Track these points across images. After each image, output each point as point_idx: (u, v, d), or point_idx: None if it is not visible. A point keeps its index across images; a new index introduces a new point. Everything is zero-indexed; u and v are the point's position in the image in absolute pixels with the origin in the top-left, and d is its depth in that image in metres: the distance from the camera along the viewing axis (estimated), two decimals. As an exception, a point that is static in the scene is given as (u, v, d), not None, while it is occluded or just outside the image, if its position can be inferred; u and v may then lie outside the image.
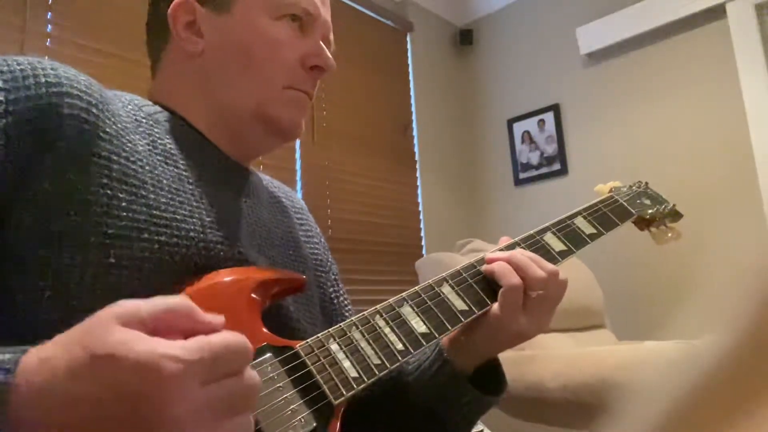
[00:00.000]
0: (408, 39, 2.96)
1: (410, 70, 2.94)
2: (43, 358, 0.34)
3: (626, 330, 2.29)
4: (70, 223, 0.46)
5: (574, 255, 0.70)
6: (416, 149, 2.87)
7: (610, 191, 0.86)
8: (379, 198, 2.61)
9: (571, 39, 2.74)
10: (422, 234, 2.80)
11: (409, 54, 2.95)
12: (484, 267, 0.64)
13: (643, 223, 0.85)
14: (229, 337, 0.37)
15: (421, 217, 2.81)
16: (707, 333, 0.23)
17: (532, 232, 0.71)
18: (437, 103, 3.06)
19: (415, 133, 2.89)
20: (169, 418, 0.33)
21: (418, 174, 2.85)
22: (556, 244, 0.70)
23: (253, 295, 0.52)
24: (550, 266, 0.63)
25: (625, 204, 0.82)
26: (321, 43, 0.64)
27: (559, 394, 1.56)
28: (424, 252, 2.76)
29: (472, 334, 0.63)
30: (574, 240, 0.71)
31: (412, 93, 2.92)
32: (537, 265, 0.62)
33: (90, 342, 0.34)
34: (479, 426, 1.53)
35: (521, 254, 0.63)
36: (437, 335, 0.57)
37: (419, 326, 0.57)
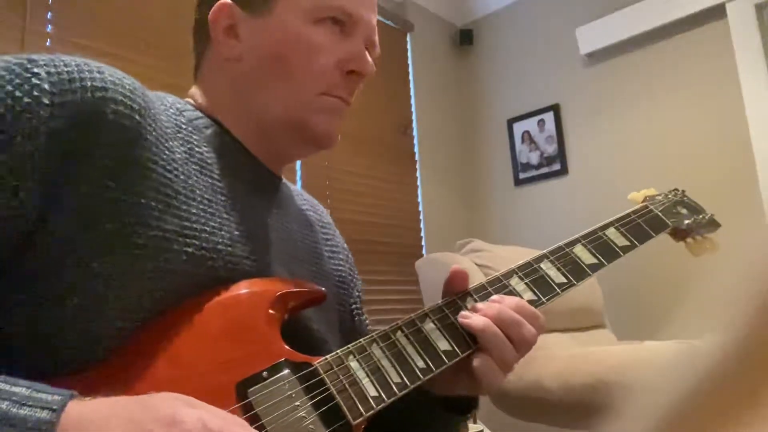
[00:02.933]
0: (408, 39, 2.96)
1: (410, 70, 2.94)
2: (95, 403, 0.37)
3: (626, 330, 2.29)
4: (102, 231, 0.45)
5: (605, 268, 0.66)
6: (416, 149, 2.87)
7: (644, 200, 0.82)
8: (379, 198, 2.61)
9: (571, 39, 2.74)
10: (422, 234, 2.80)
11: (409, 54, 2.95)
12: (466, 322, 0.57)
13: (679, 234, 0.80)
14: None
15: (421, 217, 2.81)
16: (707, 333, 0.23)
17: (561, 244, 0.67)
18: (437, 103, 3.06)
19: (415, 133, 2.89)
20: None
21: (418, 174, 2.85)
22: (587, 257, 0.66)
23: (271, 310, 0.51)
24: (540, 322, 0.57)
25: (661, 215, 0.77)
26: (362, 46, 0.61)
27: (559, 394, 1.56)
28: (424, 252, 2.76)
29: (456, 380, 0.59)
30: (606, 253, 0.67)
31: (412, 93, 2.92)
32: (529, 323, 0.56)
33: (145, 398, 0.38)
34: (479, 426, 1.53)
35: (510, 311, 0.56)
36: (460, 353, 0.55)
37: (442, 344, 0.55)
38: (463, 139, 3.15)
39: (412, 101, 2.91)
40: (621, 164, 2.56)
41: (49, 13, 1.65)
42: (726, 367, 0.22)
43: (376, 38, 0.64)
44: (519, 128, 2.95)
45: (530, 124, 2.90)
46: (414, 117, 2.90)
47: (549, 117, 2.83)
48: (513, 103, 2.99)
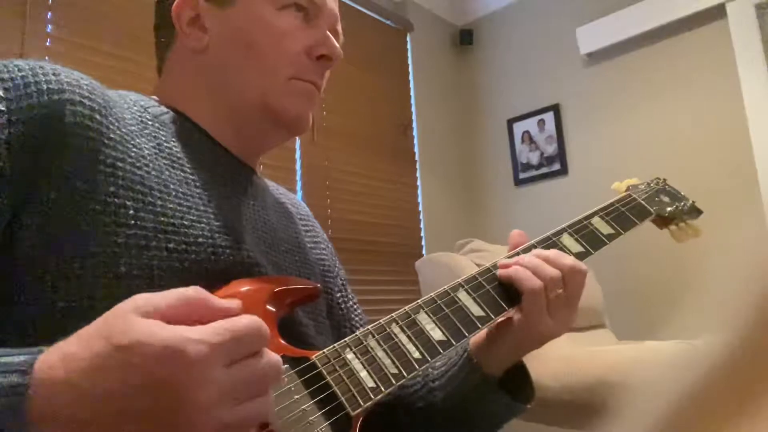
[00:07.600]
0: (408, 39, 2.96)
1: (410, 70, 2.94)
2: (65, 354, 0.34)
3: (626, 330, 2.29)
4: (80, 234, 0.45)
5: (591, 256, 0.68)
6: (416, 149, 2.87)
7: (627, 189, 0.83)
8: (379, 198, 2.61)
9: (571, 39, 2.74)
10: (422, 234, 2.80)
11: (409, 54, 2.95)
12: (500, 272, 0.62)
13: (662, 221, 0.82)
14: (247, 320, 0.37)
15: (421, 217, 2.81)
16: (707, 333, 0.23)
17: (548, 234, 0.69)
18: (437, 103, 3.06)
19: (415, 133, 2.89)
20: (194, 403, 0.33)
21: (418, 174, 2.85)
22: (573, 246, 0.68)
23: (268, 307, 0.51)
24: (567, 261, 0.61)
25: (643, 202, 0.79)
26: (327, 32, 0.62)
27: (559, 394, 1.56)
28: (424, 252, 2.76)
29: (499, 340, 0.63)
30: (592, 241, 0.69)
31: (412, 93, 2.92)
32: (550, 264, 0.60)
33: (112, 334, 0.33)
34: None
35: (530, 256, 0.61)
36: (454, 342, 0.56)
37: (436, 334, 0.56)
38: (463, 139, 3.15)
39: (412, 101, 2.91)
40: (621, 164, 2.56)
41: (49, 13, 1.65)
42: (726, 367, 0.22)
43: (340, 27, 0.65)
44: (519, 128, 2.95)
45: (530, 124, 2.91)
46: (414, 117, 2.90)
47: (549, 117, 2.83)
48: (513, 103, 3.00)
